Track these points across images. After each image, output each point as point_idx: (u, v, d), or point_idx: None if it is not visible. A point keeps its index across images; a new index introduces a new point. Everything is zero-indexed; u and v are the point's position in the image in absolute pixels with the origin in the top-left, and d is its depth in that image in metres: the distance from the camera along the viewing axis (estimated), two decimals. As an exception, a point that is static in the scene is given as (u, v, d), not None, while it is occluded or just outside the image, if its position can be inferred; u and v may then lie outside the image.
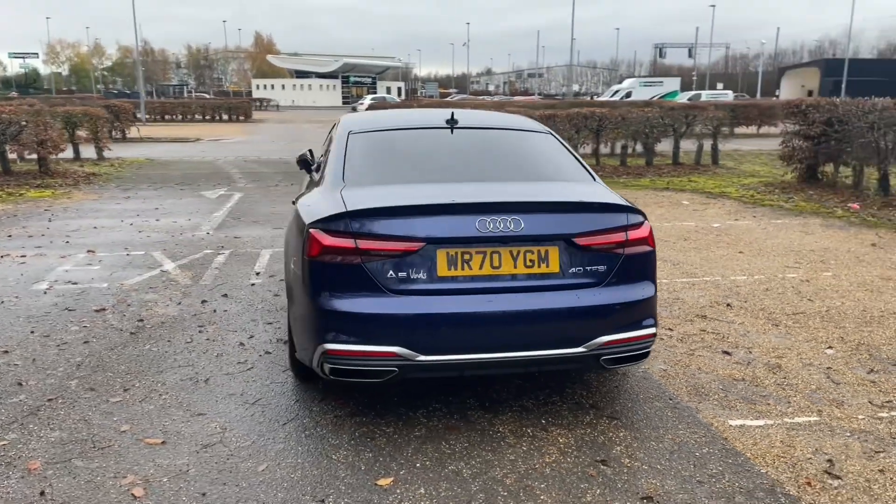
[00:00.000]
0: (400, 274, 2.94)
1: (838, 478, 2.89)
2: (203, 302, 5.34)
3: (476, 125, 4.09)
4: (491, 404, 3.54)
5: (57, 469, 2.93)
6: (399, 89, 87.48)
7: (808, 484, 2.83)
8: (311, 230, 3.05)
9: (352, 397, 3.61)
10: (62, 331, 4.67)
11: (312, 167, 4.33)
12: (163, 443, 3.15)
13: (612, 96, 57.49)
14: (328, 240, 2.98)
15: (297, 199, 3.85)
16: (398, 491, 2.78)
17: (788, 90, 62.98)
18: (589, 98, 70.05)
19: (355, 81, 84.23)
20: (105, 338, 4.55)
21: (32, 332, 4.64)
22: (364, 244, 2.94)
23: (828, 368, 4.07)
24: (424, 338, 2.92)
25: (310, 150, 4.68)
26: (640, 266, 3.19)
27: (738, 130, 24.73)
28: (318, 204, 3.30)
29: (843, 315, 5.05)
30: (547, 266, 3.02)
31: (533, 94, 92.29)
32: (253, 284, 5.85)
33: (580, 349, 3.01)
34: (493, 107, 21.07)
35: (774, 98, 51.13)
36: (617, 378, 3.90)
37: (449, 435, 3.23)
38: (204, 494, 2.75)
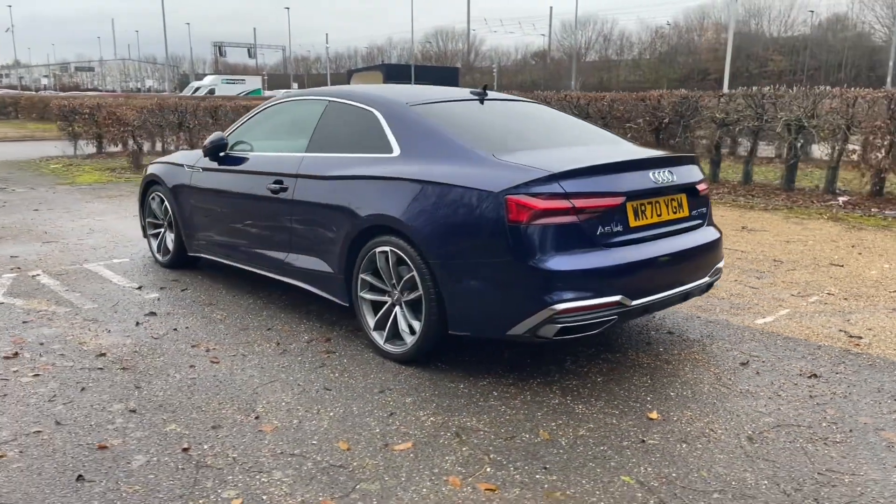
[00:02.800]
0: (606, 228, 3.29)
1: None
2: None
3: (496, 98, 4.58)
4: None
5: None
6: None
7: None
8: (509, 196, 3.15)
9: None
10: None
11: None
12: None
13: (193, 93, 55.93)
14: (541, 203, 3.14)
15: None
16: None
17: (357, 90, 69.30)
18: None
19: None
20: None
21: None
22: (579, 203, 3.19)
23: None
24: (633, 283, 3.34)
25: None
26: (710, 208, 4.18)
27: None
28: (478, 174, 3.34)
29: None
30: (682, 211, 3.78)
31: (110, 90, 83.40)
32: None
33: (707, 277, 3.85)
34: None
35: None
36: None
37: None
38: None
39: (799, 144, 10.09)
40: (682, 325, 4.37)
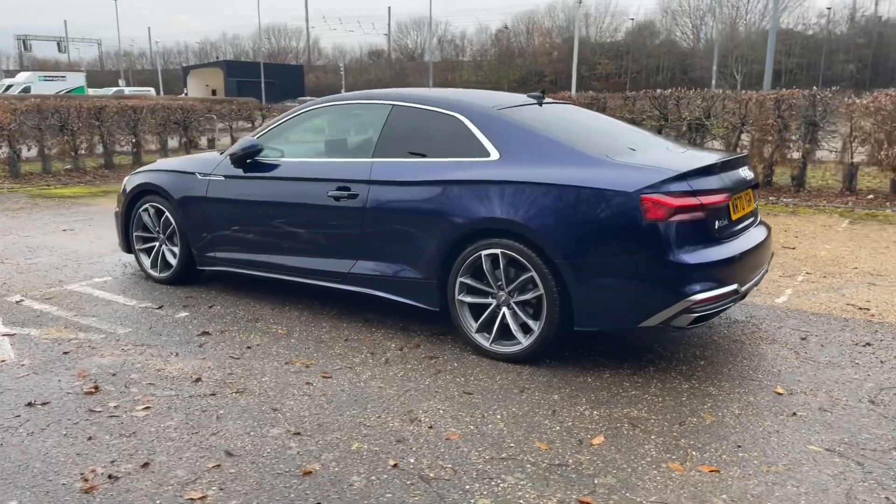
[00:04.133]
0: (719, 222, 3.57)
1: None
2: None
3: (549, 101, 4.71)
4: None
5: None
6: None
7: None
8: (644, 196, 3.36)
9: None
10: None
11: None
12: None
13: (4, 91, 50.49)
14: (675, 201, 3.35)
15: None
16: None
17: (194, 88, 65.93)
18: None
19: None
20: None
21: None
22: (703, 200, 3.45)
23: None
24: (742, 272, 3.65)
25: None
26: None
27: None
28: (603, 175, 3.49)
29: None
30: (752, 205, 4.10)
31: None
32: None
33: (767, 263, 4.22)
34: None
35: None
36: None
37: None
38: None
39: (697, 141, 11.13)
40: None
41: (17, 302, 4.87)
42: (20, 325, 4.39)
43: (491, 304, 3.84)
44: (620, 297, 3.49)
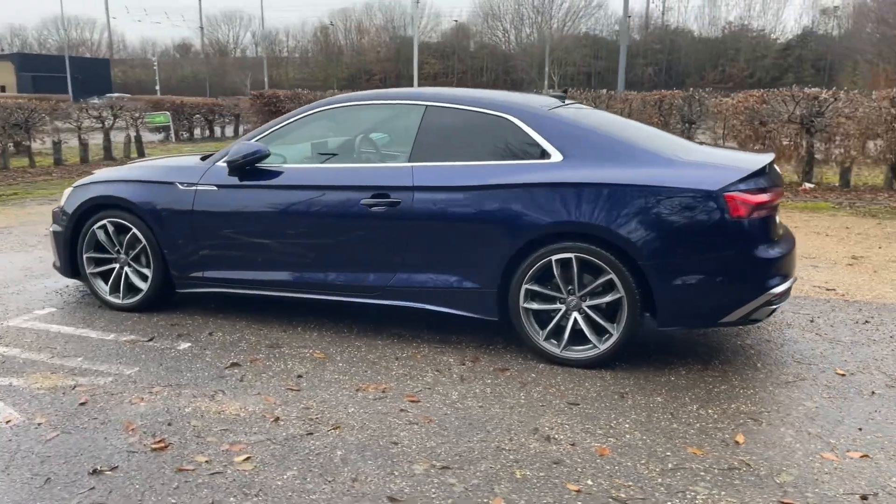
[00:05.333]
0: (777, 218, 3.71)
1: None
2: None
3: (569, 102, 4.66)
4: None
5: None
6: None
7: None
8: (727, 194, 3.42)
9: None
10: None
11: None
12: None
13: None
14: (754, 198, 3.43)
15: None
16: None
17: (-20, 84, 58.39)
18: None
19: None
20: None
21: None
22: (771, 196, 3.56)
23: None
24: (794, 263, 3.79)
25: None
26: None
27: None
28: (682, 174, 3.51)
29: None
30: None
31: None
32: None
33: None
34: None
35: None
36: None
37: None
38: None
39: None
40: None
41: (-43, 346, 3.99)
42: (-11, 374, 3.60)
43: (560, 310, 3.75)
44: (705, 294, 3.55)
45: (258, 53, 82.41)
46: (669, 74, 67.06)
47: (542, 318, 3.80)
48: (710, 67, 64.95)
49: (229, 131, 23.49)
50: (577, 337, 3.73)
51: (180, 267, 4.44)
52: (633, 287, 3.55)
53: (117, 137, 14.98)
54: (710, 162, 3.70)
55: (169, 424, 3.06)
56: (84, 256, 4.67)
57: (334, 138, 4.64)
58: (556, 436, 2.98)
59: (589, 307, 3.69)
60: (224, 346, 4.04)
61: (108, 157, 14.07)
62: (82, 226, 4.65)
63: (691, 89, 11.47)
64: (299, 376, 3.60)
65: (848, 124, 10.21)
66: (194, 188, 4.34)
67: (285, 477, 2.65)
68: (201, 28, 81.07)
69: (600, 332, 3.69)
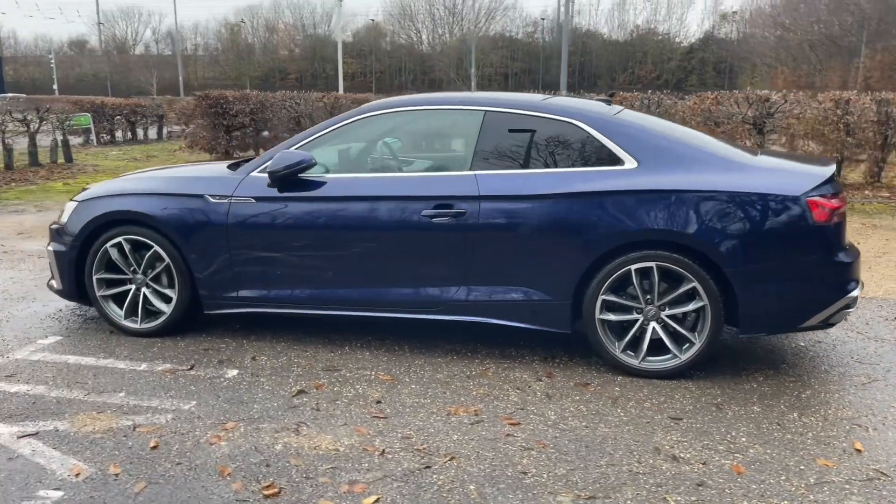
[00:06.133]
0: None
1: None
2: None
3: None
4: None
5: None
6: None
7: None
8: (810, 199, 3.43)
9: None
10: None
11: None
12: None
13: None
14: (832, 203, 3.44)
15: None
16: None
17: None
18: None
19: None
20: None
21: None
22: (843, 201, 3.59)
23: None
24: None
25: None
26: None
27: None
28: (763, 180, 3.52)
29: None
30: None
31: None
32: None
33: None
34: None
35: None
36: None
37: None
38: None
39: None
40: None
41: (-33, 385, 3.52)
42: (22, 418, 3.17)
43: (637, 320, 3.67)
44: (789, 299, 3.55)
45: (160, 51, 79.12)
46: (583, 76, 68.96)
47: (617, 330, 3.71)
48: (621, 69, 67.25)
49: (152, 133, 22.32)
50: (654, 347, 3.66)
51: (211, 286, 4.09)
52: (716, 295, 3.51)
53: (43, 142, 13.90)
54: (783, 167, 3.72)
55: (267, 465, 2.78)
56: (94, 278, 4.22)
57: (383, 146, 4.39)
58: (681, 454, 2.89)
59: (668, 316, 3.62)
60: (276, 371, 3.74)
61: (35, 164, 13.04)
62: (91, 244, 4.20)
63: (649, 91, 11.75)
64: (378, 402, 3.36)
65: (797, 125, 10.71)
66: (228, 201, 4.00)
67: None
68: (99, 24, 76.84)
69: (679, 341, 3.64)
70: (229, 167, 4.27)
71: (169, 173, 4.58)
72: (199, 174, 4.34)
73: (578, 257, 3.63)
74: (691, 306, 3.58)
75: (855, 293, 3.57)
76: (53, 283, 4.45)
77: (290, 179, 3.93)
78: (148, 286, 4.21)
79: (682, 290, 3.56)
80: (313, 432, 3.06)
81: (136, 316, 4.23)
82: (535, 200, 3.67)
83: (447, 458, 2.84)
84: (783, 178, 3.56)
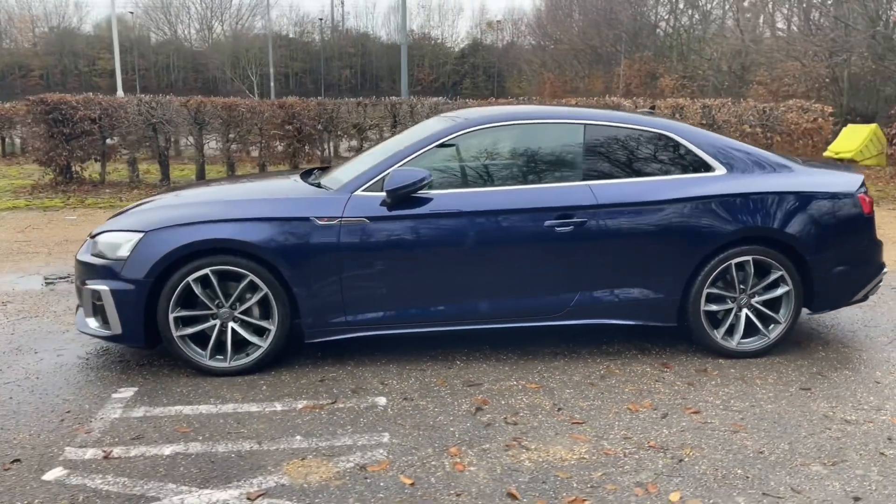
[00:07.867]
0: None
1: None
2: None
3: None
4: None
5: None
6: None
7: None
8: (860, 195, 4.17)
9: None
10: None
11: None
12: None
13: None
14: (869, 198, 4.25)
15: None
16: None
17: None
18: None
19: None
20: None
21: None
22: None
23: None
24: None
25: None
26: None
27: None
28: (823, 181, 4.20)
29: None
30: None
31: None
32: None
33: None
34: None
35: None
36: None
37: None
38: None
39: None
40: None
41: (97, 457, 2.99)
42: (224, 479, 2.82)
43: (732, 309, 4.16)
44: (847, 279, 4.26)
45: None
46: (365, 77, 69.84)
47: (713, 319, 4.17)
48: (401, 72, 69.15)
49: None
50: (746, 329, 4.18)
51: (318, 313, 3.85)
52: (798, 280, 4.12)
53: None
54: (830, 171, 4.45)
55: (543, 483, 2.80)
56: (171, 317, 3.74)
57: (486, 159, 4.40)
58: (848, 417, 3.40)
59: (759, 302, 4.16)
60: (421, 393, 3.65)
61: None
62: (166, 280, 3.72)
63: (537, 98, 12.56)
64: (559, 409, 3.47)
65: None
66: (338, 222, 3.80)
67: None
68: None
69: (765, 322, 4.19)
70: (312, 183, 4.09)
71: (255, 194, 4.21)
72: (290, 195, 4.05)
73: (690, 256, 4.02)
74: (779, 291, 4.15)
75: (886, 269, 4.39)
76: (94, 324, 3.86)
77: (404, 198, 3.84)
78: (235, 320, 3.83)
79: (771, 278, 4.12)
80: (540, 445, 3.10)
81: (222, 354, 3.83)
82: (647, 206, 4.00)
83: (689, 450, 3.07)
84: (839, 179, 4.28)
